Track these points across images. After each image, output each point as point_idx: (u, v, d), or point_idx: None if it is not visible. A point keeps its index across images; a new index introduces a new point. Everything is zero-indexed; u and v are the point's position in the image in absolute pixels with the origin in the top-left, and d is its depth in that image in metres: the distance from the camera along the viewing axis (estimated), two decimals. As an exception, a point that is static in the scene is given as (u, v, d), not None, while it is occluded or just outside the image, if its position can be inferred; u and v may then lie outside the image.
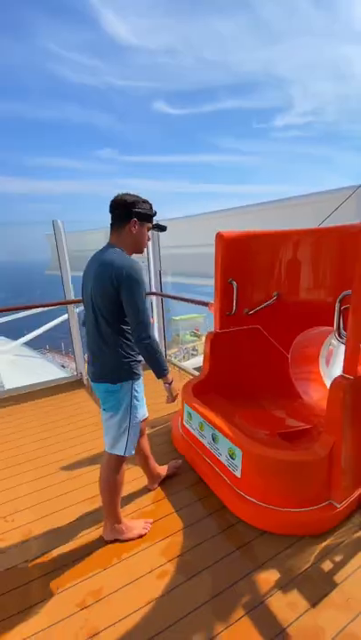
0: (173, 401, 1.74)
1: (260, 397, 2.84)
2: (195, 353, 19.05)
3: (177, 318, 17.31)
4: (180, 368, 4.27)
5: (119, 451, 1.67)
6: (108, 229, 1.62)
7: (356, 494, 1.89)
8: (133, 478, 2.22)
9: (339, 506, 1.81)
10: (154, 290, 4.28)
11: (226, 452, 2.02)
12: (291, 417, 2.63)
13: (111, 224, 1.60)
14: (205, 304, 3.13)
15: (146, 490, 2.14)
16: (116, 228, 1.59)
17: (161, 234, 4.02)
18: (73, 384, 3.97)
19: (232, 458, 1.97)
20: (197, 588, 1.52)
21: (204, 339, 2.94)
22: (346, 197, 3.80)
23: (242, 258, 2.64)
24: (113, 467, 1.70)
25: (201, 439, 2.29)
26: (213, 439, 2.14)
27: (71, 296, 3.85)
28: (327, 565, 1.61)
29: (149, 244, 4.46)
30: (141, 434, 1.92)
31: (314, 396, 2.83)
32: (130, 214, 1.55)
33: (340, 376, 1.80)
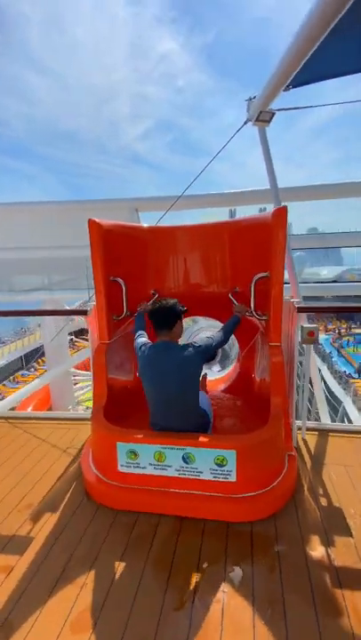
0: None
1: None
2: None
3: None
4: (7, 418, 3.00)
5: None
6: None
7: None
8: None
9: (294, 453, 2.13)
10: None
11: (210, 464, 1.78)
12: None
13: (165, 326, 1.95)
14: (83, 313, 2.43)
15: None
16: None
17: None
18: None
19: (221, 465, 1.77)
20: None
21: None
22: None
23: (122, 251, 2.32)
24: None
25: (162, 472, 1.84)
26: (186, 460, 1.81)
27: None
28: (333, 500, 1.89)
29: None
30: None
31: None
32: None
33: (271, 346, 2.10)
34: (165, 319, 1.92)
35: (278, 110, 3.05)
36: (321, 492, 1.96)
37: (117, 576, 1.51)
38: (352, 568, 1.50)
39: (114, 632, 1.28)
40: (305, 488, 1.98)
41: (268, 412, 2.02)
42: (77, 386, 10.82)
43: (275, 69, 2.41)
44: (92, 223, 2.12)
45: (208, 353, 1.90)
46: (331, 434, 2.51)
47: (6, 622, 1.34)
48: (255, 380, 2.66)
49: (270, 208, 3.37)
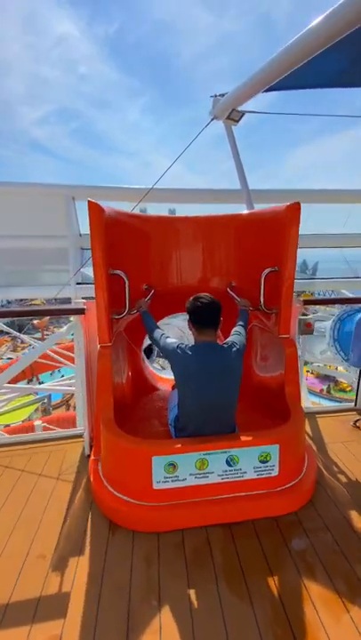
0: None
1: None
2: None
3: None
4: None
5: None
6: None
7: None
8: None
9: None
10: None
11: (254, 462, 1.74)
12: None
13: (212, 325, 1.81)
14: (81, 312, 2.04)
15: None
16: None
17: None
18: None
19: (265, 462, 1.75)
20: None
21: None
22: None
23: (123, 241, 2.07)
24: None
25: (203, 481, 1.71)
26: (230, 463, 1.72)
27: None
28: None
29: None
30: None
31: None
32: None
33: (283, 338, 2.17)
34: (215, 318, 1.81)
35: (248, 112, 3.16)
36: (335, 469, 2.13)
37: (194, 601, 1.35)
38: (393, 530, 1.68)
39: None
40: (322, 468, 2.13)
41: (269, 405, 2.08)
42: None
43: (260, 70, 2.46)
44: (93, 206, 1.82)
45: (244, 351, 1.86)
46: (317, 416, 2.75)
47: None
48: (254, 373, 2.68)
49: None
